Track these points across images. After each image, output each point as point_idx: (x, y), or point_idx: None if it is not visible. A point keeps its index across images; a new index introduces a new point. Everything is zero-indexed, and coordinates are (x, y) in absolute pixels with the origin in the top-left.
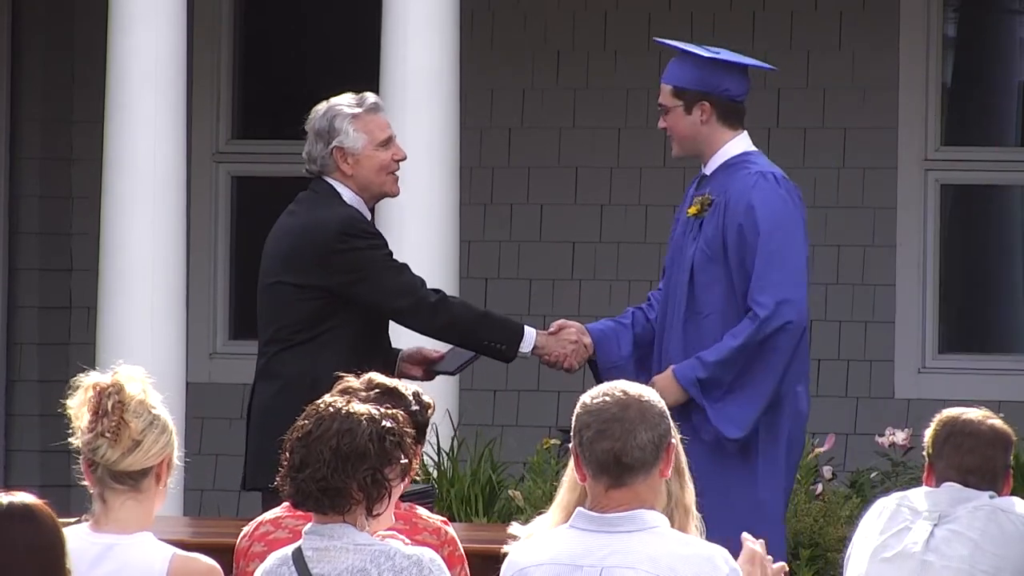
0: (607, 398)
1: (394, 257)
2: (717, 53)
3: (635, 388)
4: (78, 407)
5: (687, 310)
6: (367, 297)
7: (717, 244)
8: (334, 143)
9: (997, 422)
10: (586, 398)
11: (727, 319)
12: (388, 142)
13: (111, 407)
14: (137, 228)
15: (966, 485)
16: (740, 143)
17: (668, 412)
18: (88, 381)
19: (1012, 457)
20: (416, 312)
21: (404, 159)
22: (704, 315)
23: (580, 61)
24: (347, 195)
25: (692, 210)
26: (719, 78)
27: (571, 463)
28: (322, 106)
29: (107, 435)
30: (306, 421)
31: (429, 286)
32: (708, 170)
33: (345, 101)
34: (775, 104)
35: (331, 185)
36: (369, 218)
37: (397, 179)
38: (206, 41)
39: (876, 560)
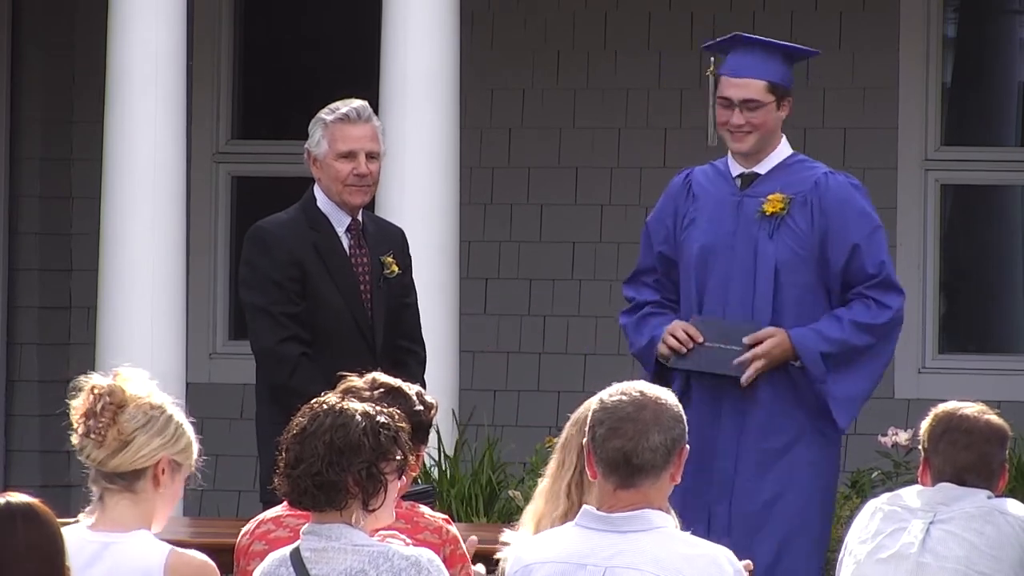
0: (623, 397)
1: (277, 304)
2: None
3: (653, 389)
4: (77, 406)
5: (781, 313)
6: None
7: (812, 243)
8: (306, 145)
9: (993, 417)
10: (604, 395)
11: (802, 318)
12: (349, 155)
13: (100, 409)
14: (137, 228)
15: (963, 483)
16: (787, 144)
17: (684, 417)
18: (90, 382)
19: (1009, 455)
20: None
21: (364, 175)
22: (782, 313)
23: (580, 61)
24: (321, 199)
25: (772, 208)
26: (792, 75)
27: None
28: None
29: (92, 436)
30: (302, 419)
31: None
32: (763, 168)
33: (331, 106)
34: None
35: (313, 188)
36: (346, 224)
37: (361, 191)
38: (206, 41)
39: (871, 561)
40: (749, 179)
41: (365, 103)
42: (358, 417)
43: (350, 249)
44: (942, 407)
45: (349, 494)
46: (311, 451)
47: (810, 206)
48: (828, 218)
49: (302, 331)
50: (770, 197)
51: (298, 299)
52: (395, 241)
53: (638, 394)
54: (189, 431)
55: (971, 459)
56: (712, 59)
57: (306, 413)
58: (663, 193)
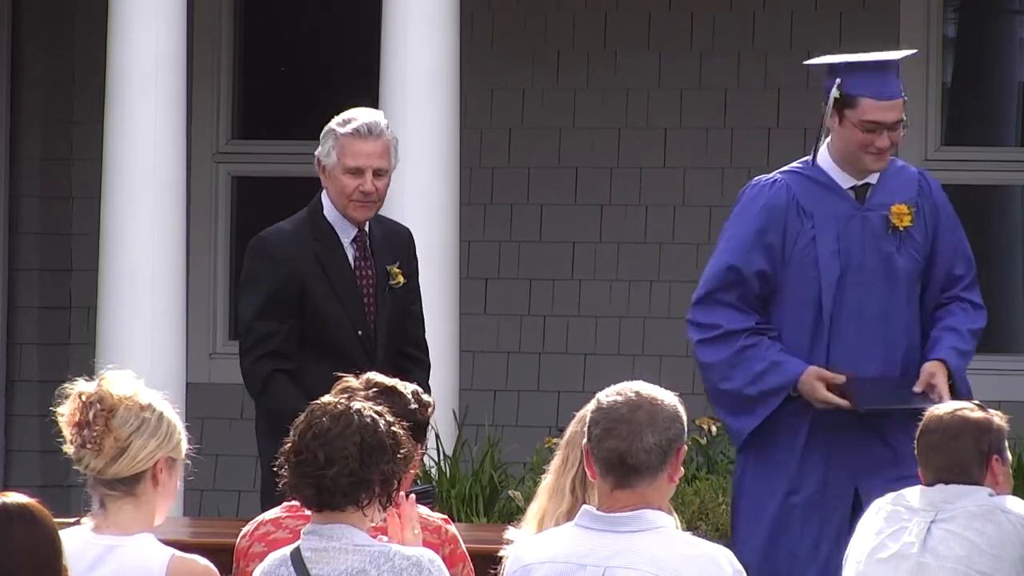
0: (619, 398)
1: (265, 316)
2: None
3: (649, 390)
4: (67, 415)
5: (909, 326)
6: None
7: (927, 249)
8: (316, 152)
9: (967, 412)
10: (601, 395)
11: (920, 329)
12: (356, 171)
13: (92, 417)
14: (137, 228)
15: (948, 484)
16: None
17: (683, 416)
18: (76, 389)
19: (1011, 450)
20: (244, 373)
21: (369, 193)
22: (914, 327)
23: (580, 61)
24: (328, 207)
25: (901, 222)
26: None
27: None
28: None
29: (88, 446)
30: (321, 420)
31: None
32: (874, 178)
33: (343, 116)
34: (775, 104)
35: (321, 196)
36: (352, 235)
37: (365, 207)
38: (206, 41)
39: (872, 560)
40: (862, 191)
41: (379, 116)
42: (375, 415)
43: (355, 260)
44: (928, 410)
45: (374, 492)
46: (341, 452)
47: (922, 212)
48: (936, 219)
49: (283, 346)
50: (894, 211)
51: (288, 316)
52: (401, 245)
53: (633, 395)
54: (178, 424)
55: (942, 459)
56: (838, 80)
57: (320, 415)
58: (755, 207)
